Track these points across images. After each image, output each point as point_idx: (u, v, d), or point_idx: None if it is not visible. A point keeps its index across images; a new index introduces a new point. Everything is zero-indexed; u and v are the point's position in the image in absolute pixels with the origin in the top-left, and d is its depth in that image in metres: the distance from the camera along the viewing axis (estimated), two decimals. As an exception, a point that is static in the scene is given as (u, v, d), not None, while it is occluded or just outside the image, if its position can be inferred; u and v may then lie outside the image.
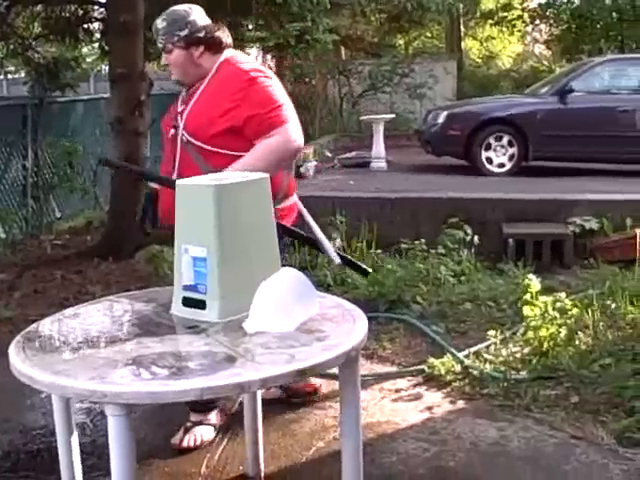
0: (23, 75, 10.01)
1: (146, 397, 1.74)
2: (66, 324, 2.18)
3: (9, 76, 9.91)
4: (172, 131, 2.86)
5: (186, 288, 2.16)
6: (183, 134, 2.82)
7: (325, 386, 3.34)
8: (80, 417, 3.22)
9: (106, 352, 1.93)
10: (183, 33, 2.82)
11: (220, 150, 2.77)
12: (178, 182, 2.25)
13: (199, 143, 2.79)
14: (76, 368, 1.83)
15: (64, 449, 2.23)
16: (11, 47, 7.92)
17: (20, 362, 1.88)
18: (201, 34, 2.83)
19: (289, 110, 2.82)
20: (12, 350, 1.95)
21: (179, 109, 2.88)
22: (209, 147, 2.78)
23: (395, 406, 3.32)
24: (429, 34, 22.31)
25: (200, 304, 2.13)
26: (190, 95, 2.88)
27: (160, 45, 2.87)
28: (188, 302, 2.15)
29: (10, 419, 3.31)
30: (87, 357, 1.91)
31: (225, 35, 2.89)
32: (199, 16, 2.87)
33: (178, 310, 2.18)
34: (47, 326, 2.16)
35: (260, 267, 2.15)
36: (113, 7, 6.39)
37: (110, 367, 1.82)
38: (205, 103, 2.81)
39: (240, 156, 2.73)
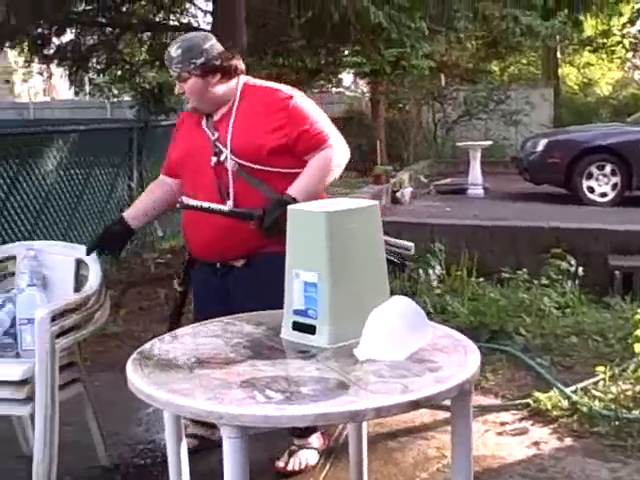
0: (126, 98, 10.36)
1: (261, 420, 1.73)
2: (180, 343, 2.21)
3: (113, 100, 10.29)
4: (214, 159, 2.78)
5: (296, 312, 2.17)
6: (232, 159, 2.76)
7: (429, 416, 3.30)
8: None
9: (220, 373, 1.94)
10: (199, 61, 2.78)
11: (275, 169, 2.76)
12: (291, 207, 2.25)
13: (253, 165, 2.75)
14: (192, 388, 1.84)
15: (174, 466, 2.24)
16: (119, 72, 8.21)
17: (138, 379, 1.90)
18: (217, 62, 2.81)
19: (330, 124, 2.87)
20: (129, 367, 1.98)
21: (212, 137, 2.81)
22: (265, 167, 2.75)
23: (500, 440, 3.24)
24: (524, 60, 22.02)
25: (310, 329, 2.13)
26: (219, 122, 2.83)
27: (175, 73, 2.83)
28: (298, 326, 2.15)
29: (119, 433, 3.38)
30: (202, 377, 1.92)
31: (240, 62, 2.90)
32: (214, 44, 2.84)
33: (288, 334, 2.18)
34: (162, 344, 2.18)
35: (370, 294, 2.14)
36: (217, 34, 6.47)
37: (225, 388, 1.83)
38: (248, 126, 2.78)
39: (295, 173, 2.75)
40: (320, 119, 2.84)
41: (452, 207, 7.93)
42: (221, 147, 2.79)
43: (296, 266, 2.18)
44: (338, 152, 2.81)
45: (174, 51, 2.80)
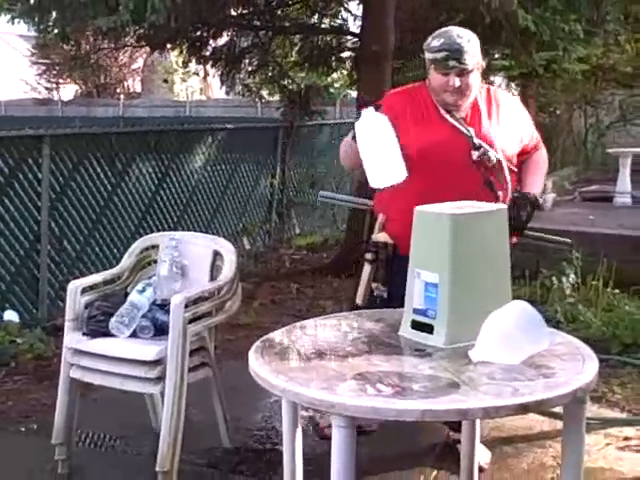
0: (275, 98, 10.64)
1: (369, 412, 1.79)
2: (301, 335, 2.30)
3: (263, 99, 10.61)
4: (475, 154, 2.81)
5: (416, 311, 2.21)
6: (495, 155, 2.82)
7: (548, 424, 3.26)
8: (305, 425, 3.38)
9: (336, 365, 2.02)
10: (480, 58, 2.81)
11: (513, 167, 2.91)
12: (417, 208, 2.30)
13: (505, 161, 2.86)
14: (308, 377, 1.93)
15: (289, 452, 2.33)
16: (269, 74, 8.46)
17: (259, 366, 2.01)
18: (483, 62, 2.86)
19: None
20: (252, 354, 2.09)
21: (466, 132, 2.82)
22: (510, 165, 2.89)
23: (621, 454, 3.16)
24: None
25: (428, 328, 2.17)
26: (467, 117, 2.85)
27: (462, 66, 2.74)
28: (416, 325, 2.20)
29: (241, 418, 3.53)
30: (318, 368, 2.01)
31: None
32: None
33: (406, 332, 2.23)
34: (284, 335, 2.28)
35: (491, 297, 2.15)
36: (366, 37, 6.65)
37: (339, 380, 1.90)
38: (499, 124, 2.87)
39: (516, 171, 2.91)
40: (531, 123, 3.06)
41: (595, 215, 7.67)
42: (482, 143, 2.82)
43: (418, 266, 2.22)
44: (546, 152, 3.08)
45: (466, 42, 2.74)
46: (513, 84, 14.92)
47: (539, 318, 2.09)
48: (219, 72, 8.33)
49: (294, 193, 8.35)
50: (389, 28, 6.45)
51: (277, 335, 2.28)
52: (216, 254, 3.21)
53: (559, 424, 3.20)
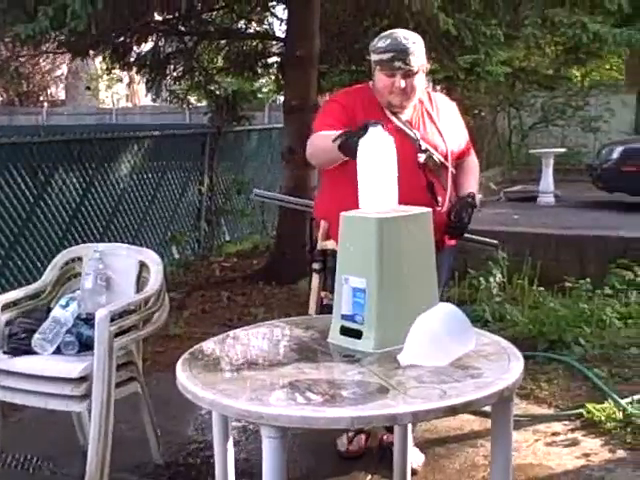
0: (203, 104, 10.56)
1: (299, 421, 1.78)
2: (229, 345, 2.28)
3: (191, 105, 10.51)
4: (422, 157, 2.83)
5: (344, 317, 2.21)
6: (439, 158, 2.87)
7: (479, 424, 3.30)
8: (237, 435, 3.35)
9: (265, 375, 2.01)
10: (426, 59, 2.82)
11: (452, 169, 2.93)
12: (343, 214, 2.29)
13: (446, 163, 2.90)
14: (236, 388, 1.91)
15: (220, 465, 2.31)
16: (195, 80, 8.38)
17: (185, 379, 1.98)
18: (428, 64, 2.89)
19: None
20: (179, 367, 2.05)
21: (412, 135, 2.83)
22: (450, 167, 2.92)
23: (549, 450, 3.22)
24: (608, 66, 21.48)
25: (357, 334, 2.17)
26: (412, 120, 2.87)
27: (407, 67, 2.74)
28: (345, 331, 2.20)
29: (173, 431, 3.47)
30: (247, 378, 1.99)
31: None
32: None
33: (335, 338, 2.22)
34: (212, 346, 2.26)
35: (418, 301, 2.16)
36: (291, 42, 6.64)
37: (268, 390, 1.89)
38: (445, 129, 2.91)
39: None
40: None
41: (520, 215, 7.84)
42: (427, 147, 2.85)
43: (346, 272, 2.22)
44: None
45: (411, 44, 2.74)
46: (438, 87, 15.15)
47: (465, 320, 2.11)
48: (144, 78, 8.22)
49: (223, 200, 8.29)
50: (314, 33, 6.47)
51: (206, 346, 2.25)
52: (142, 265, 3.16)
53: (489, 423, 3.27)
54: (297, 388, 1.89)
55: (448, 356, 2.04)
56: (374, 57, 2.81)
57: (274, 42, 8.33)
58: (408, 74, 2.75)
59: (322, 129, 2.77)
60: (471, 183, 2.98)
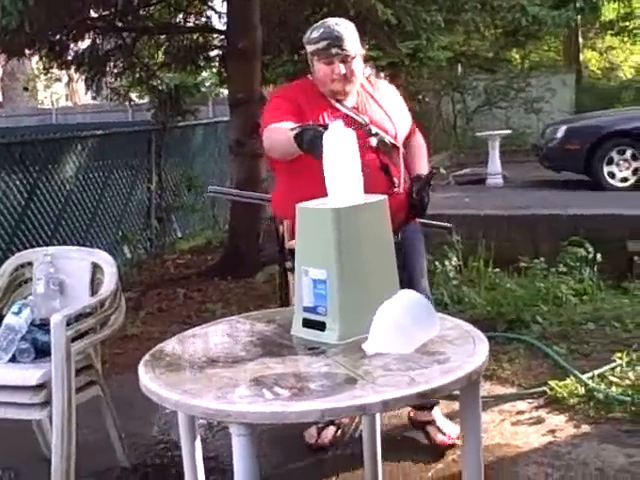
0: (146, 101, 10.41)
1: (269, 417, 1.75)
2: (191, 344, 2.25)
3: (133, 102, 10.37)
4: (374, 140, 2.85)
5: (306, 310, 2.19)
6: (391, 141, 2.90)
7: (445, 406, 3.30)
8: (204, 432, 3.31)
9: (230, 372, 1.98)
10: (360, 43, 2.84)
11: (403, 151, 2.98)
12: (299, 205, 2.28)
13: (397, 143, 2.94)
14: (201, 387, 1.87)
15: (189, 464, 2.28)
16: (137, 76, 8.25)
17: (149, 380, 1.94)
18: (363, 50, 2.90)
19: None
20: (141, 369, 2.02)
21: (360, 120, 2.85)
22: (402, 149, 2.97)
23: (516, 429, 3.25)
24: (546, 47, 21.81)
25: (320, 326, 2.15)
26: (356, 107, 2.89)
27: (344, 52, 2.77)
28: (308, 323, 2.18)
29: (138, 433, 3.42)
30: (212, 376, 1.96)
31: None
32: None
33: (298, 331, 2.21)
34: (173, 345, 2.22)
35: (379, 289, 2.15)
36: (232, 35, 6.58)
37: (234, 387, 1.86)
38: (387, 112, 2.94)
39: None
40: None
41: (471, 197, 7.90)
42: (377, 130, 2.87)
43: (305, 263, 2.20)
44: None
45: (343, 30, 2.78)
46: (382, 74, 15.19)
47: (429, 305, 2.11)
48: (84, 77, 8.06)
49: (172, 197, 8.20)
50: (256, 24, 6.42)
51: (167, 346, 2.21)
52: (95, 267, 3.09)
53: (456, 405, 3.28)
54: (263, 383, 1.87)
55: (413, 343, 2.03)
56: (310, 48, 2.84)
57: (215, 35, 8.25)
58: (345, 59, 2.79)
59: (274, 122, 2.75)
60: (422, 161, 3.04)
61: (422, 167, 3.00)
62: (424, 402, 3.07)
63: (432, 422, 3.17)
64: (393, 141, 2.93)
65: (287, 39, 7.91)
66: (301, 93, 2.91)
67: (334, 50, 2.77)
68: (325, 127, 2.31)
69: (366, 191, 2.50)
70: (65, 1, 5.06)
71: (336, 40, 2.76)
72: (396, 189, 2.85)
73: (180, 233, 8.25)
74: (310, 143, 2.36)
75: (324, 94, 2.87)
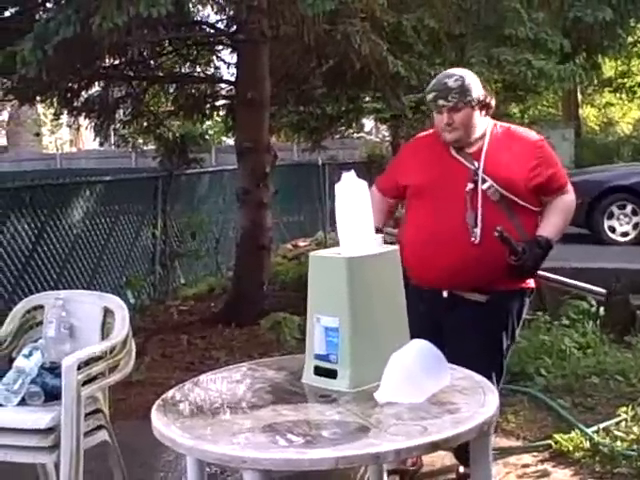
0: (150, 147, 10.53)
1: (283, 464, 1.77)
2: (203, 389, 2.26)
3: (139, 149, 10.48)
4: (470, 186, 2.86)
5: (318, 357, 2.21)
6: (498, 189, 2.84)
7: (450, 458, 3.29)
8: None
9: (242, 418, 1.99)
10: (474, 94, 2.89)
11: (528, 205, 2.89)
12: (311, 254, 2.32)
13: (514, 197, 2.86)
14: (215, 433, 1.89)
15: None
16: (144, 124, 8.37)
17: (163, 426, 1.95)
18: (484, 98, 2.94)
19: None
20: (154, 414, 2.02)
21: (471, 166, 2.89)
22: (522, 202, 2.87)
23: (522, 483, 3.25)
24: (545, 102, 22.09)
25: (331, 373, 2.16)
26: (475, 154, 2.92)
27: (449, 103, 2.86)
28: (319, 371, 2.19)
29: (142, 479, 3.41)
30: (225, 423, 1.97)
31: (493, 101, 3.02)
32: (478, 81, 2.98)
33: (309, 379, 2.22)
34: (185, 391, 2.23)
35: (390, 337, 2.18)
36: (242, 85, 6.68)
37: (247, 433, 1.87)
38: (509, 161, 2.89)
39: (536, 212, 2.92)
40: (560, 165, 3.03)
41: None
42: (485, 177, 2.86)
43: (317, 311, 2.23)
44: (574, 196, 3.01)
45: (452, 82, 2.88)
46: (385, 126, 15.35)
47: (439, 355, 2.13)
48: (92, 123, 8.17)
49: (177, 243, 8.24)
50: (264, 75, 6.53)
51: (179, 391, 2.22)
52: (106, 311, 3.11)
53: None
54: (277, 431, 1.88)
55: (424, 392, 2.05)
56: (427, 99, 2.97)
57: (223, 85, 8.38)
58: (452, 109, 2.87)
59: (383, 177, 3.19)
60: (552, 222, 2.91)
61: (547, 226, 2.89)
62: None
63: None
64: (501, 190, 2.83)
65: (293, 90, 8.05)
66: (426, 142, 3.08)
67: (440, 102, 2.88)
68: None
69: (451, 234, 2.83)
70: (81, 51, 5.15)
71: (442, 92, 2.87)
72: (472, 239, 2.82)
73: (183, 279, 8.27)
74: None
75: (444, 142, 2.97)
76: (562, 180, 2.97)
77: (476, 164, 2.89)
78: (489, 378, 2.62)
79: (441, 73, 3.01)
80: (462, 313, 2.91)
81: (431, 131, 3.13)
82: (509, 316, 2.95)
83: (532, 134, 3.03)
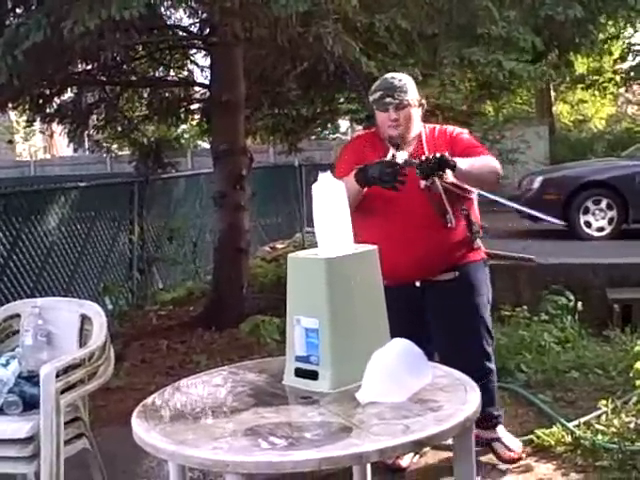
0: (125, 152, 10.46)
1: (266, 467, 1.76)
2: (184, 394, 2.25)
3: (113, 154, 10.41)
4: (428, 182, 3.01)
5: (298, 359, 2.21)
6: (443, 183, 3.03)
7: (432, 455, 3.29)
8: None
9: (224, 422, 1.99)
10: (415, 95, 3.12)
11: (467, 195, 3.14)
12: (290, 255, 2.32)
13: (456, 190, 3.06)
14: (197, 438, 1.88)
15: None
16: (119, 129, 8.31)
17: (143, 432, 1.94)
18: (422, 101, 3.19)
19: None
20: (135, 420, 2.01)
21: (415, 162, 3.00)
22: (463, 193, 3.10)
23: (504, 478, 3.24)
24: (519, 100, 22.22)
25: (312, 375, 2.17)
26: (414, 152, 3.07)
27: (396, 100, 3.06)
28: (300, 373, 2.20)
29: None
30: (207, 427, 1.97)
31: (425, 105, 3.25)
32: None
33: (290, 380, 2.22)
34: (166, 396, 2.22)
35: (370, 337, 2.18)
36: (216, 88, 6.66)
37: (229, 437, 1.87)
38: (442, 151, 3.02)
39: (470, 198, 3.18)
40: (480, 145, 3.29)
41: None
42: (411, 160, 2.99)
43: (297, 312, 2.23)
44: (496, 162, 3.21)
45: (398, 81, 3.11)
46: (360, 127, 15.36)
47: (421, 354, 2.13)
48: (66, 129, 8.09)
49: (154, 248, 8.19)
50: (239, 78, 6.51)
51: (159, 397, 2.22)
52: (84, 318, 3.09)
53: (443, 455, 3.29)
54: (259, 433, 1.88)
55: (406, 391, 2.05)
56: (370, 99, 3.16)
57: (197, 88, 8.34)
58: (398, 107, 3.07)
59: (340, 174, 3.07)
60: (467, 159, 3.02)
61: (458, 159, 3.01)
62: (489, 422, 3.28)
63: (498, 439, 3.35)
64: (444, 184, 3.01)
65: (268, 92, 8.03)
66: (367, 141, 3.26)
67: (388, 99, 3.07)
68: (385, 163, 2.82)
69: (417, 228, 3.00)
70: (52, 56, 5.10)
71: (389, 90, 3.08)
72: (449, 225, 3.07)
73: (161, 284, 8.22)
74: (373, 178, 2.86)
75: (385, 141, 3.14)
76: (478, 148, 3.19)
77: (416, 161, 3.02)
78: (483, 346, 3.31)
79: (383, 76, 3.20)
80: (439, 295, 3.16)
81: (366, 132, 3.31)
82: (480, 283, 3.25)
83: (454, 127, 3.31)
